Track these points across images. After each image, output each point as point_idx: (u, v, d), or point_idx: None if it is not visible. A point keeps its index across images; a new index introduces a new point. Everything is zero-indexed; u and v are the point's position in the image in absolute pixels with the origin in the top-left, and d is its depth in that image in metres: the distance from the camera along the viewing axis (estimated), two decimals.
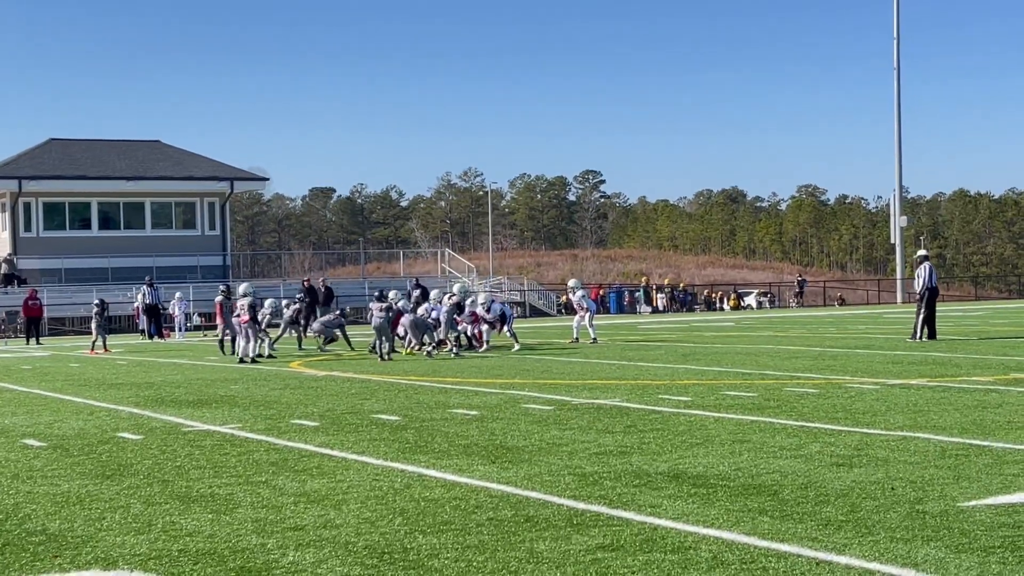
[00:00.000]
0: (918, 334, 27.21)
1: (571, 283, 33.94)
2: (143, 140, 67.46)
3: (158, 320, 43.62)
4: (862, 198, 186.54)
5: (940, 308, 29.80)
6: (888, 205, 78.65)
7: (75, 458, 11.34)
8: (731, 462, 9.96)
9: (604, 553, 6.81)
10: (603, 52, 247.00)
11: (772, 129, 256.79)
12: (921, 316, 27.43)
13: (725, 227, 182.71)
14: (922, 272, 27.85)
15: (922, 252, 29.34)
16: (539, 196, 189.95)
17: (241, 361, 25.86)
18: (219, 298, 30.57)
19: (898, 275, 75.00)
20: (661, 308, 66.95)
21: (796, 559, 6.57)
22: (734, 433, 11.80)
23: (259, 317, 27.53)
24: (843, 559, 6.54)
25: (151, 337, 42.32)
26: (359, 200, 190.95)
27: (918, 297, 27.79)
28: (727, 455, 10.35)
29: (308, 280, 44.94)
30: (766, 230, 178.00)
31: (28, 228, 58.82)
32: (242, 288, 28.31)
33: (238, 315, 26.94)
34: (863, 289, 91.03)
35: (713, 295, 72.87)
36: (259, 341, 26.91)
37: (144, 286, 44.49)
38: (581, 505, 8.28)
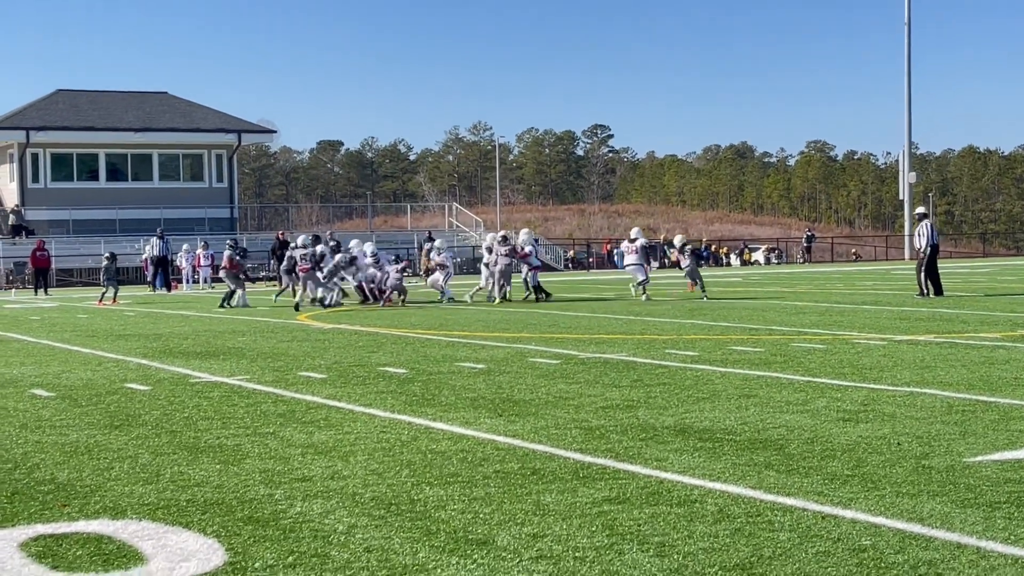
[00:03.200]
0: (925, 290, 27.21)
1: (522, 235, 31.94)
2: (151, 91, 67.29)
3: (166, 272, 43.70)
4: (871, 154, 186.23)
5: (948, 265, 29.88)
6: (897, 161, 78.38)
7: (83, 408, 11.38)
8: (737, 416, 9.98)
9: (610, 506, 6.83)
10: (612, 6, 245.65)
11: (781, 84, 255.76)
12: (923, 272, 27.45)
13: (733, 182, 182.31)
14: (923, 230, 27.87)
15: (921, 210, 29.30)
16: (547, 150, 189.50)
17: (296, 308, 27.09)
18: (227, 252, 30.68)
19: (906, 231, 74.79)
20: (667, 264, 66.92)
21: (802, 513, 6.58)
22: (740, 388, 11.81)
23: (323, 266, 28.86)
24: (849, 513, 6.55)
25: (155, 289, 42.37)
26: (369, 154, 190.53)
27: (922, 255, 27.72)
28: (733, 409, 10.36)
29: (282, 233, 45.09)
30: (774, 186, 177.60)
31: (36, 179, 58.82)
32: (300, 239, 29.63)
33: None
34: (871, 245, 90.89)
35: (720, 250, 72.81)
36: (325, 289, 28.40)
37: (155, 237, 44.58)
38: (587, 458, 8.29)
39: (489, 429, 9.63)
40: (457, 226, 67.35)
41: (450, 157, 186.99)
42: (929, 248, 27.50)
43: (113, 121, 60.33)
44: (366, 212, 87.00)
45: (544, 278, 32.17)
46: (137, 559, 5.95)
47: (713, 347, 16.13)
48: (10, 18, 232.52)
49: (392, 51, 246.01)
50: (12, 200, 58.64)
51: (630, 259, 29.73)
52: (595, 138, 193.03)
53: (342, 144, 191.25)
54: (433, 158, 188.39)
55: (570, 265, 66.87)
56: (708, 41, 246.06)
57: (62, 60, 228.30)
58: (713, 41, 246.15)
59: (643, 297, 28.66)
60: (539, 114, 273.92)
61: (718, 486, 7.29)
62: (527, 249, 30.44)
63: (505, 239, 29.97)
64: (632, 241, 29.97)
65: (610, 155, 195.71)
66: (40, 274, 43.11)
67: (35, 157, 58.68)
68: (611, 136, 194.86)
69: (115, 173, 60.47)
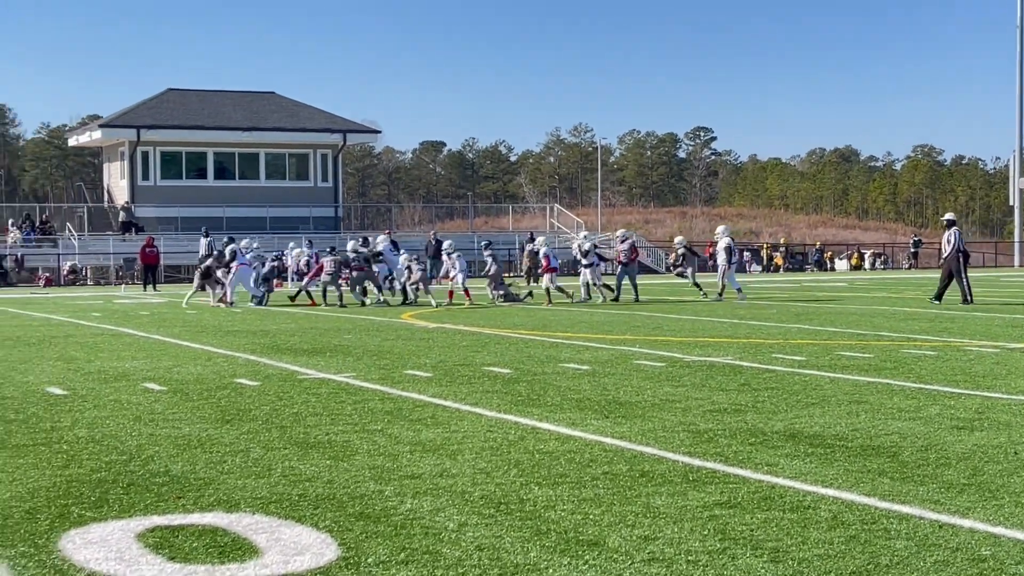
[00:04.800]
0: (969, 297, 26.94)
1: (581, 236, 33.60)
2: (258, 91, 68.18)
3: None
4: (979, 159, 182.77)
5: None
6: (1007, 166, 76.85)
7: (195, 402, 11.55)
8: (848, 423, 9.84)
9: (722, 510, 6.77)
10: (716, 8, 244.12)
11: (888, 87, 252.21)
12: (965, 279, 27.26)
13: (838, 186, 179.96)
14: (952, 238, 27.59)
15: (950, 216, 28.87)
16: (649, 152, 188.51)
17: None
18: (328, 255, 31.11)
19: (1016, 237, 73.38)
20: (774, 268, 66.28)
21: (918, 521, 6.47)
22: (850, 394, 11.65)
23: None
24: (967, 523, 6.43)
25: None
26: (470, 155, 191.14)
27: (959, 262, 27.29)
28: (844, 415, 10.22)
29: (389, 233, 46.07)
30: (880, 190, 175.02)
31: (146, 177, 59.93)
32: (351, 244, 31.63)
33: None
34: (979, 252, 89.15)
35: (826, 254, 71.93)
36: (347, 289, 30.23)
37: (202, 237, 45.23)
38: (696, 462, 8.23)
39: (596, 430, 9.60)
40: (558, 227, 67.34)
41: (551, 158, 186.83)
42: (962, 255, 27.48)
43: (221, 120, 61.27)
44: (467, 212, 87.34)
45: (643, 281, 32.04)
46: (252, 552, 6.02)
47: (821, 352, 15.93)
48: (123, 19, 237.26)
49: (494, 53, 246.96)
50: (122, 197, 59.80)
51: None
52: (697, 140, 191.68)
53: (444, 145, 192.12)
54: (534, 159, 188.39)
55: (671, 268, 66.50)
56: (813, 44, 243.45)
57: (173, 60, 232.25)
58: (818, 44, 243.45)
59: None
60: (641, 116, 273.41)
61: (831, 492, 7.19)
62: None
63: (531, 239, 32.52)
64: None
65: (712, 158, 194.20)
66: (149, 270, 43.84)
67: (145, 155, 59.77)
68: (714, 138, 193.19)
69: (223, 172, 61.40)
